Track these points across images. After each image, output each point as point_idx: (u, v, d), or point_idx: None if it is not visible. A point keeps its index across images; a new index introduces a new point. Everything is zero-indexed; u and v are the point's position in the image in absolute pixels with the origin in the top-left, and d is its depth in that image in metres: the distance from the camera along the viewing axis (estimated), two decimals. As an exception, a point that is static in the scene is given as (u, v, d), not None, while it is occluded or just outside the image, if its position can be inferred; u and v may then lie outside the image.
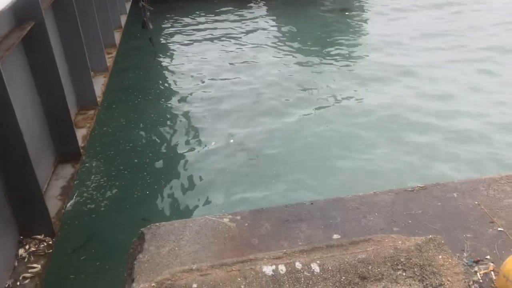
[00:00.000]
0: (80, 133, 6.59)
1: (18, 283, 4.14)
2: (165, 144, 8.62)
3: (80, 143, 6.29)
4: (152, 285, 2.38)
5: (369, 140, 8.04)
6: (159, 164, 8.00)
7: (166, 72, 11.38)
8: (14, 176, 4.38)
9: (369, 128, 8.42)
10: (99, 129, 8.31)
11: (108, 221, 6.73)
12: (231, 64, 11.51)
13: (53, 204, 5.18)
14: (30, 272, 4.26)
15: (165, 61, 11.98)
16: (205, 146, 8.36)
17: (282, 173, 7.34)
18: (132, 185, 7.33)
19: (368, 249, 2.52)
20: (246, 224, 3.28)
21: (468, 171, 6.93)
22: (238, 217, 3.35)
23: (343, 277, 2.37)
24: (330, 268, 2.42)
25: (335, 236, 3.12)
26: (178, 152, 8.40)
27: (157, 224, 3.35)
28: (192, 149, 8.30)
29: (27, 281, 4.16)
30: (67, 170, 5.85)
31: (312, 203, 3.46)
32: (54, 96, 5.75)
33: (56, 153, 6.03)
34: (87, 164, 7.51)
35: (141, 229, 3.33)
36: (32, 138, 5.13)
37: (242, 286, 2.35)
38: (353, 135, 8.24)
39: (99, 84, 8.09)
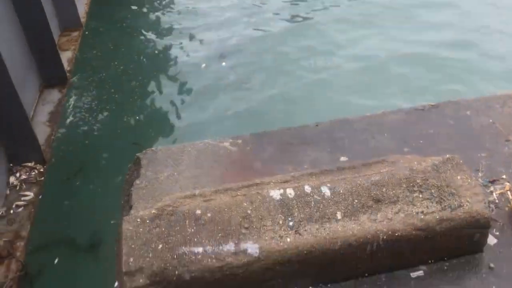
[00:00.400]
0: (65, 56, 6.22)
1: (11, 211, 4.02)
2: (156, 67, 8.27)
3: (66, 66, 5.94)
4: (153, 211, 2.23)
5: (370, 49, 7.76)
6: (150, 87, 7.70)
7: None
8: (-3, 102, 4.11)
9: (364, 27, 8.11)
10: (88, 53, 7.86)
11: (100, 146, 6.54)
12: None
13: (41, 131, 4.96)
14: (23, 200, 4.13)
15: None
16: (197, 67, 8.02)
17: (277, 94, 7.11)
18: (123, 109, 7.08)
19: (382, 171, 2.36)
20: (248, 148, 3.10)
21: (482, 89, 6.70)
22: (239, 141, 3.16)
23: (356, 200, 2.22)
24: (341, 191, 2.26)
25: (343, 159, 2.95)
26: (169, 74, 8.08)
27: (154, 149, 3.15)
28: (183, 72, 7.97)
29: (20, 209, 4.04)
30: (54, 95, 5.57)
31: (317, 125, 3.26)
32: (33, 16, 5.33)
33: (41, 77, 5.70)
34: (77, 89, 7.17)
35: (137, 154, 3.13)
36: (13, 61, 4.78)
37: (249, 211, 2.20)
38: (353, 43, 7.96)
39: (81, 3, 7.56)
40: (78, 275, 4.90)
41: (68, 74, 5.77)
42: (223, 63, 8.22)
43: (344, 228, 2.14)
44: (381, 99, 6.60)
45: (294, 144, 3.11)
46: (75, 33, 6.94)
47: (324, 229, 2.13)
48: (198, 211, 2.22)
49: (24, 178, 4.27)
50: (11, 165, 4.38)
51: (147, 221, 2.20)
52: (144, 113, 7.26)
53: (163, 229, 2.15)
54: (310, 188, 2.28)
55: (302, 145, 3.10)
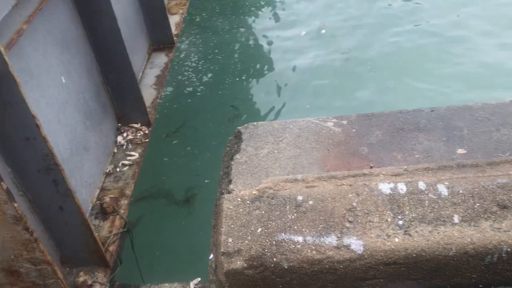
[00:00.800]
0: (173, 20, 6.32)
1: (117, 169, 4.24)
2: (258, 31, 8.23)
3: (173, 30, 6.04)
4: (254, 192, 2.17)
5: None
6: (251, 50, 7.69)
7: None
8: (110, 64, 4.29)
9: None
10: (195, 16, 8.01)
11: (201, 107, 6.73)
12: None
13: (148, 93, 5.14)
14: (129, 160, 4.33)
15: None
16: (296, 34, 7.86)
17: (378, 71, 6.73)
18: (224, 71, 7.18)
19: (511, 173, 2.07)
20: (354, 130, 2.91)
21: None
22: (344, 122, 2.98)
23: (477, 204, 1.98)
24: (461, 191, 2.03)
25: (460, 151, 2.66)
26: (269, 39, 8.00)
27: (255, 123, 3.09)
28: (283, 38, 7.85)
29: (125, 168, 4.25)
30: (161, 59, 5.72)
31: (432, 110, 2.97)
32: (146, -21, 5.42)
33: (150, 41, 5.87)
34: (182, 52, 7.35)
35: (238, 128, 3.10)
36: (127, 25, 4.95)
37: (354, 204, 2.05)
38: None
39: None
40: (173, 228, 5.15)
41: (175, 38, 5.87)
42: (323, 31, 7.98)
43: (461, 234, 1.92)
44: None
45: (405, 130, 2.87)
46: (184, -3, 7.04)
47: (438, 232, 1.93)
48: (300, 197, 2.12)
49: (131, 139, 4.47)
50: (119, 125, 4.59)
51: (248, 202, 2.15)
52: (244, 76, 7.30)
53: (263, 212, 2.09)
54: (425, 185, 2.08)
55: (414, 131, 2.85)
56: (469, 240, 1.90)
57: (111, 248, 3.49)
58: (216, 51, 7.68)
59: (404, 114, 2.99)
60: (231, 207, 2.13)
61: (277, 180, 2.26)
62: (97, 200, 3.90)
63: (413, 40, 7.33)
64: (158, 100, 5.07)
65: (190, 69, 7.34)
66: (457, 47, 7.06)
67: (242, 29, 8.27)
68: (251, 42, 8.10)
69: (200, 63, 7.46)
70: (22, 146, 2.70)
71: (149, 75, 5.44)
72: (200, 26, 7.96)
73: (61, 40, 3.63)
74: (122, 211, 3.80)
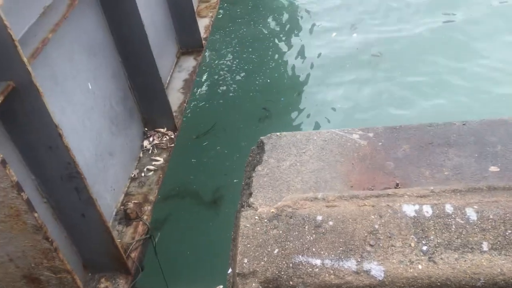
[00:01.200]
0: (203, 23, 6.32)
1: (142, 174, 4.25)
2: (289, 32, 8.16)
3: (202, 34, 6.04)
4: (272, 210, 2.11)
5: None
6: (281, 50, 7.64)
7: None
8: (137, 68, 4.31)
9: None
10: (224, 20, 8.02)
11: (232, 108, 6.73)
12: None
13: (175, 98, 5.14)
14: (154, 165, 4.34)
15: None
16: (327, 37, 7.74)
17: (409, 75, 6.54)
18: (257, 71, 7.15)
19: (547, 198, 1.93)
20: (380, 144, 2.81)
21: None
22: (371, 134, 2.88)
23: (509, 231, 1.85)
24: (491, 216, 1.91)
25: (493, 169, 2.52)
26: (299, 40, 7.91)
27: (278, 134, 3.02)
28: (314, 38, 7.75)
29: (150, 173, 4.26)
30: (190, 62, 5.72)
31: (464, 124, 2.83)
32: (175, -18, 5.42)
33: (179, 44, 5.87)
34: (211, 57, 7.37)
35: (261, 138, 3.04)
36: (155, 29, 4.97)
37: (376, 226, 1.96)
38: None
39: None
40: (199, 230, 5.15)
41: (204, 42, 5.86)
42: (354, 35, 7.83)
43: (491, 263, 1.80)
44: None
45: (434, 145, 2.74)
46: (214, 0, 7.02)
47: (465, 260, 1.82)
48: (319, 217, 2.04)
49: (156, 143, 4.48)
50: (146, 129, 4.61)
51: (265, 220, 2.09)
52: (276, 77, 7.26)
53: (281, 231, 2.03)
54: (452, 208, 1.96)
55: (444, 146, 2.72)
56: (499, 270, 1.78)
57: (133, 255, 3.50)
58: (250, 50, 7.67)
59: (433, 128, 2.86)
60: (248, 225, 2.07)
61: (296, 198, 2.19)
62: (121, 205, 3.93)
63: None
64: (185, 105, 5.07)
65: (225, 69, 7.36)
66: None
67: (273, 31, 8.23)
68: (283, 43, 8.05)
69: (235, 63, 7.47)
70: (45, 154, 2.73)
71: (177, 79, 5.45)
72: (231, 28, 7.95)
73: (87, 47, 3.65)
74: (145, 217, 3.80)
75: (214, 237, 5.05)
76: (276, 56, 7.74)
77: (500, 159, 2.58)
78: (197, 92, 6.85)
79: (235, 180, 5.54)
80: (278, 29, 8.35)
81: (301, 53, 7.68)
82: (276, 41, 8.04)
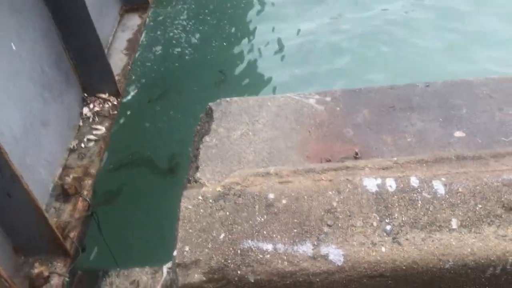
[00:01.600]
0: (148, -23, 5.78)
1: (82, 145, 3.88)
2: None
3: (148, -12, 5.52)
4: (218, 189, 1.84)
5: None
6: (240, 11, 7.20)
7: None
8: (71, 29, 3.85)
9: None
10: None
11: (186, 71, 6.32)
12: None
13: (118, 60, 4.71)
14: (95, 135, 3.96)
15: None
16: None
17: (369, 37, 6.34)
18: (215, 32, 6.72)
19: (519, 168, 1.76)
20: (338, 109, 2.57)
21: None
22: (328, 99, 2.63)
23: (479, 205, 1.68)
24: (460, 189, 1.72)
25: (458, 134, 2.34)
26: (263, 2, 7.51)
27: (228, 99, 2.73)
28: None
29: (91, 143, 3.89)
30: (134, 21, 5.26)
31: (427, 85, 2.63)
32: None
33: (122, 1, 5.37)
34: (158, 13, 6.83)
35: (209, 104, 2.74)
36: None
37: (334, 203, 1.74)
38: None
39: None
40: (154, 201, 4.84)
41: (149, -1, 5.39)
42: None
43: (460, 242, 1.63)
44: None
45: (396, 109, 2.53)
46: (160, -48, 6.47)
47: (433, 240, 1.63)
48: (271, 195, 1.80)
49: (97, 110, 4.09)
50: (85, 95, 4.20)
51: (210, 201, 1.83)
52: (233, 39, 6.86)
53: (228, 213, 1.77)
54: (418, 181, 1.76)
55: (406, 110, 2.51)
56: (469, 250, 1.60)
57: (72, 234, 3.18)
58: (206, 11, 7.19)
59: (395, 90, 2.65)
60: (190, 206, 1.80)
61: (246, 173, 1.93)
62: (58, 180, 3.56)
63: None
64: (129, 67, 4.65)
65: (179, 28, 6.87)
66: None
67: None
68: (243, 4, 7.59)
69: (190, 23, 6.98)
70: (-46, 128, 2.33)
71: (120, 39, 5.00)
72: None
73: (8, 0, 3.18)
74: (85, 193, 3.47)
75: (170, 208, 4.79)
76: (235, 17, 7.31)
77: (465, 123, 2.40)
78: (150, 52, 6.35)
79: (190, 148, 5.27)
80: None
81: (261, 14, 7.29)
82: (237, 2, 7.59)
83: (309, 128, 2.49)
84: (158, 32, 6.73)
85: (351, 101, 2.61)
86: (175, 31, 6.82)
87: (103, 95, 4.16)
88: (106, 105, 4.10)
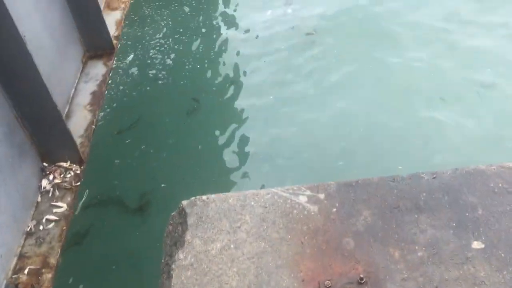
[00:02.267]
0: (113, 18, 5.38)
1: (40, 227, 3.42)
2: (231, 11, 7.38)
3: (113, 31, 5.12)
4: None
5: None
6: (211, 31, 6.85)
7: None
8: (23, 95, 3.40)
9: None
10: (139, 11, 6.98)
11: (159, 98, 5.91)
12: None
13: (81, 118, 4.26)
14: (55, 213, 3.51)
15: None
16: (262, 15, 7.02)
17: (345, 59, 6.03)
18: (186, 55, 6.34)
19: None
20: (334, 210, 2.20)
21: None
22: (322, 196, 2.26)
23: None
24: None
25: (476, 245, 2.00)
26: (233, 20, 7.17)
27: (205, 198, 2.33)
28: (247, 18, 7.06)
29: (51, 225, 3.43)
30: (98, 69, 4.82)
31: (434, 177, 2.28)
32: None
33: (84, 46, 4.94)
34: (124, 59, 6.35)
35: (182, 204, 2.34)
36: (50, 33, 4.02)
37: None
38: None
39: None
40: (124, 241, 4.41)
41: (115, 42, 4.96)
42: (289, 10, 7.25)
43: None
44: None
45: (401, 209, 2.17)
46: (125, -13, 6.05)
47: None
48: None
49: (58, 182, 3.64)
50: (45, 164, 3.74)
51: None
52: (206, 62, 6.49)
53: None
54: None
55: (413, 211, 2.15)
56: None
57: None
58: (181, 30, 6.80)
59: (397, 183, 2.29)
60: None
61: None
62: (12, 275, 3.10)
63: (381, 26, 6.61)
64: (93, 126, 4.21)
65: (156, 48, 6.46)
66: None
67: (202, 15, 7.35)
68: (214, 27, 7.23)
69: (168, 42, 6.58)
70: None
71: (84, 92, 4.55)
72: (146, 22, 6.94)
73: None
74: (44, 291, 3.01)
75: (141, 248, 4.38)
76: (207, 38, 6.94)
77: (483, 230, 2.06)
78: (122, 76, 5.86)
79: (162, 185, 4.89)
80: (209, 12, 7.49)
81: (234, 35, 6.94)
82: (208, 26, 7.22)
83: (301, 237, 2.12)
84: (133, 52, 6.33)
85: (349, 199, 2.24)
86: (151, 51, 6.43)
87: (64, 164, 3.72)
88: (68, 175, 3.66)
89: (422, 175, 2.31)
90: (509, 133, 4.94)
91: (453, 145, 4.92)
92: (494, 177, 2.25)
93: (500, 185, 2.22)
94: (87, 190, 4.15)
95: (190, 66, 6.34)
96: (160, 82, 5.99)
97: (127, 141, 5.20)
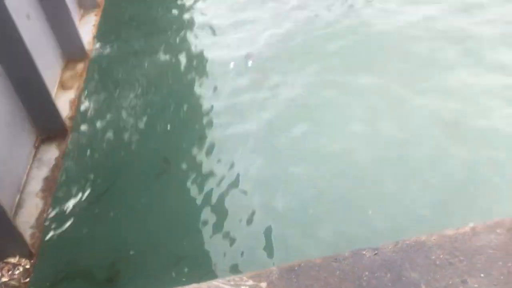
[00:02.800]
0: (67, 98, 5.37)
1: None
2: (195, 68, 7.52)
3: (67, 112, 5.10)
4: None
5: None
6: (180, 90, 6.97)
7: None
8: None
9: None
10: (95, 87, 7.01)
11: (130, 161, 5.84)
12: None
13: (32, 206, 4.15)
14: (2, 321, 3.32)
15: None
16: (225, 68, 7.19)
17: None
18: (158, 114, 6.32)
19: None
20: (277, 301, 2.12)
21: None
22: (263, 285, 2.19)
23: None
24: None
25: (421, 328, 1.93)
26: (198, 77, 7.31)
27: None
28: (213, 74, 7.18)
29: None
30: (51, 153, 4.75)
31: (376, 253, 2.24)
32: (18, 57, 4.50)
33: (36, 130, 4.88)
34: (78, 142, 6.25)
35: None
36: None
37: None
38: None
39: (89, 26, 6.71)
40: None
41: (68, 124, 4.94)
42: (250, 62, 7.43)
43: None
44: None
45: (344, 292, 2.11)
46: (80, 66, 6.10)
47: None
48: None
49: (5, 281, 3.46)
50: (-9, 261, 3.58)
51: None
52: (175, 120, 6.50)
53: None
54: None
55: (356, 294, 2.10)
56: None
57: None
58: (153, 90, 6.83)
59: (340, 264, 2.23)
60: None
61: None
62: None
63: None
64: (44, 215, 4.09)
65: (129, 109, 6.43)
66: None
67: (170, 70, 7.46)
68: (181, 81, 7.32)
69: (139, 103, 6.58)
70: None
71: (36, 179, 4.45)
72: (101, 97, 6.94)
73: None
74: None
75: None
76: (176, 97, 6.99)
77: (427, 308, 2.00)
78: (79, 154, 5.77)
79: (131, 252, 4.73)
80: (176, 66, 7.62)
81: (203, 93, 7.01)
82: (174, 81, 7.31)
83: (244, 336, 2.02)
84: (109, 114, 6.30)
85: (291, 286, 2.17)
86: (124, 113, 6.42)
87: (12, 260, 3.56)
88: (17, 271, 3.49)
89: (364, 252, 2.26)
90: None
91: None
92: (435, 249, 2.22)
93: (441, 256, 2.18)
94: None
95: (157, 129, 6.32)
96: (122, 152, 5.95)
97: (96, 211, 5.09)
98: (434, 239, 2.25)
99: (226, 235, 4.78)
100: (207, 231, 4.96)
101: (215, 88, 6.95)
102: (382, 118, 5.84)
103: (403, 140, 5.53)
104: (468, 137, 5.49)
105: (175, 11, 9.40)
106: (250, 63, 7.40)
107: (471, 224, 2.30)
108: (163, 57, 7.84)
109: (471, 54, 6.80)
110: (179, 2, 9.62)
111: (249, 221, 4.92)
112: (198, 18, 8.87)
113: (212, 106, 6.62)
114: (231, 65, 7.42)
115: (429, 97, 6.06)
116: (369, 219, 4.69)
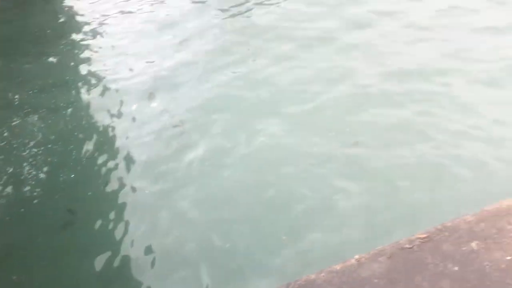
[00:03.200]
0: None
1: None
2: (100, 112, 7.29)
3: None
4: None
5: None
6: (85, 140, 6.67)
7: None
8: None
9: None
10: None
11: (32, 217, 5.49)
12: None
13: None
14: None
15: None
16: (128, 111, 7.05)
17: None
18: (60, 164, 5.98)
19: None
20: None
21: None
22: None
23: None
24: None
25: None
26: (103, 121, 7.09)
27: None
28: (117, 117, 6.96)
29: None
30: None
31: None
32: None
33: None
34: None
35: None
36: None
37: None
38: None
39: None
40: None
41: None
42: (153, 104, 7.30)
43: None
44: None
45: None
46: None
47: None
48: None
49: None
50: None
51: None
52: (79, 169, 6.20)
53: None
54: None
55: None
56: None
57: None
58: (53, 138, 6.45)
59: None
60: None
61: None
62: None
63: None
64: None
65: (31, 161, 6.02)
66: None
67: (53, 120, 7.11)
68: (85, 129, 7.01)
69: (40, 152, 6.17)
70: None
71: None
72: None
73: None
74: None
75: None
76: (81, 145, 6.67)
77: None
78: None
79: None
80: (66, 116, 7.29)
81: (106, 139, 6.73)
82: (75, 127, 7.00)
83: None
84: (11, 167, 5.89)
85: None
86: (26, 165, 6.04)
87: None
88: None
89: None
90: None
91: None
92: (325, 285, 2.27)
93: (332, 291, 2.23)
94: None
95: (65, 176, 5.99)
96: (22, 209, 5.60)
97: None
98: (323, 276, 2.31)
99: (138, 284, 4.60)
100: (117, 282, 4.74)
101: (123, 136, 6.76)
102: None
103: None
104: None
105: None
106: (154, 104, 7.28)
107: (357, 256, 2.38)
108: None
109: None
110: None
111: (153, 266, 4.78)
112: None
113: (116, 154, 6.43)
114: (133, 107, 7.28)
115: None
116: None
